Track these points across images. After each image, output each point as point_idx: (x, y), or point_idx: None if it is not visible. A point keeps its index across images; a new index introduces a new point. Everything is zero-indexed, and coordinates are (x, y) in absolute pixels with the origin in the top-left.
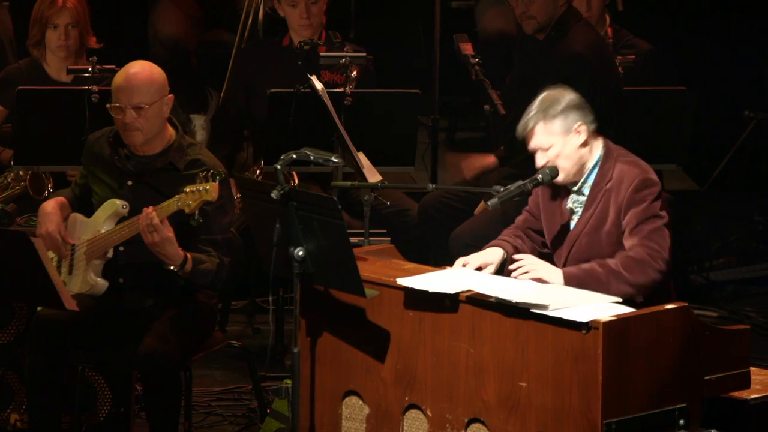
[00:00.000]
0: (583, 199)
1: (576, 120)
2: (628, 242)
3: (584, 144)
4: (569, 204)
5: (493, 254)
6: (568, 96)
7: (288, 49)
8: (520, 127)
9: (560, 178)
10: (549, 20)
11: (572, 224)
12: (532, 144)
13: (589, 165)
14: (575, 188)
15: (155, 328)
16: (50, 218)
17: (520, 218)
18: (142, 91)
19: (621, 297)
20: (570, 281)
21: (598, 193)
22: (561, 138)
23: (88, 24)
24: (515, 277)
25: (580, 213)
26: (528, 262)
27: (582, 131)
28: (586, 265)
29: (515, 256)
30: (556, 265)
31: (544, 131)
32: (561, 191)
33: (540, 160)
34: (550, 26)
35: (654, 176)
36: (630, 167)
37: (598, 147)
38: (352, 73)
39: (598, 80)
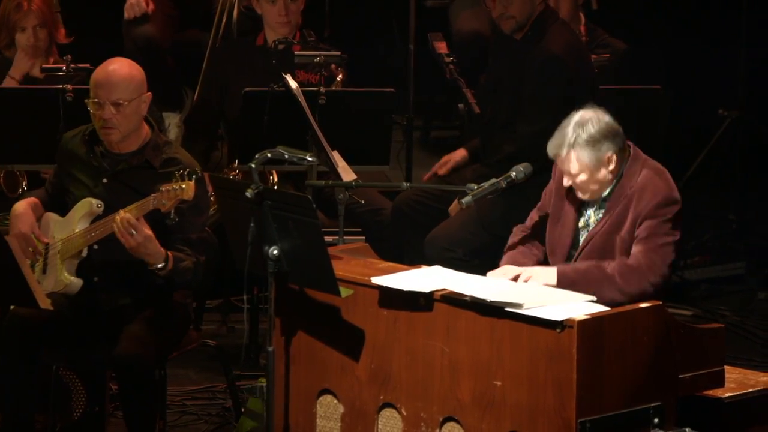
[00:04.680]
0: (604, 205)
1: (607, 150)
2: (633, 249)
3: (614, 169)
4: (586, 211)
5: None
6: (601, 123)
7: (262, 49)
8: (551, 147)
9: (585, 197)
10: (527, 19)
11: (582, 229)
12: (561, 167)
13: (615, 178)
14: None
15: (130, 328)
16: (22, 219)
17: (532, 221)
18: (121, 87)
19: (611, 303)
20: (563, 281)
21: (621, 196)
22: (590, 168)
23: (56, 20)
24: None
25: (600, 216)
26: (525, 273)
27: (613, 160)
28: (581, 266)
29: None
30: (551, 260)
31: (574, 159)
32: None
33: (566, 182)
34: (527, 26)
35: (678, 194)
36: (656, 177)
37: (625, 159)
38: (338, 77)
39: (574, 81)
